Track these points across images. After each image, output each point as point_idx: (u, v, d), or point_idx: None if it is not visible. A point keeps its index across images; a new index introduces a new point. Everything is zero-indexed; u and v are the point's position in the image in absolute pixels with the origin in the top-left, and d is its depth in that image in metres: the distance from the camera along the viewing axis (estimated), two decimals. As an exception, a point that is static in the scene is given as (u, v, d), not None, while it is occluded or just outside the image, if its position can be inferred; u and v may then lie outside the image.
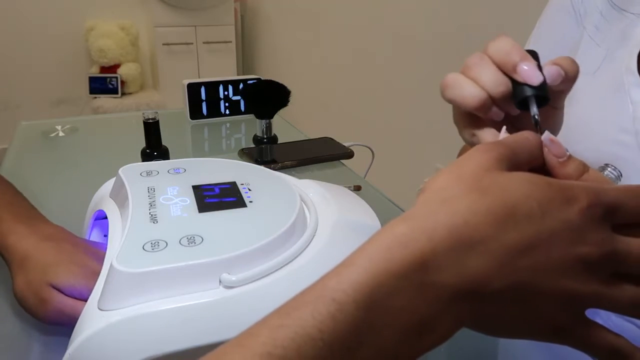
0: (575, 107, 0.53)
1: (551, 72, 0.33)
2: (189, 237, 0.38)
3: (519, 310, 0.25)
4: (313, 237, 0.41)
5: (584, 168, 0.29)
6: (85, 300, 0.37)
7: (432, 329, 0.24)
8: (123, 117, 1.29)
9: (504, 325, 0.26)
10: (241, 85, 1.05)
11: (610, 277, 0.26)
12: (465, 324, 0.26)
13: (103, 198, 0.49)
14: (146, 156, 0.75)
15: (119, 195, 0.46)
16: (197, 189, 0.45)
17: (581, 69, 0.36)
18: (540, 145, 0.30)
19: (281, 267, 0.38)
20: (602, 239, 0.25)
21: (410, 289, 0.24)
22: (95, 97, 2.77)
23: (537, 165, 0.30)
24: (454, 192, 0.26)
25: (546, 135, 0.30)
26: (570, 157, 0.30)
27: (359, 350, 0.23)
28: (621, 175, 0.35)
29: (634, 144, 0.45)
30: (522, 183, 0.26)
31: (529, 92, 0.33)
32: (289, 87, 0.86)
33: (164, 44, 2.72)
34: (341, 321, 0.23)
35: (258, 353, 0.22)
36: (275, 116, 0.89)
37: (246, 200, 0.44)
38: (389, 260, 0.24)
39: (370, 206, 0.51)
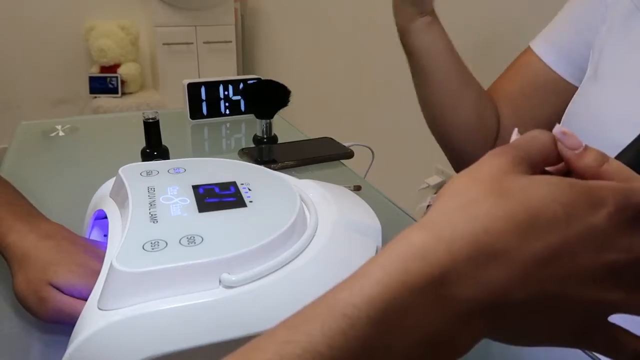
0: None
1: None
2: (189, 237, 0.38)
3: (540, 320, 0.24)
4: (313, 237, 0.41)
5: (604, 158, 0.27)
6: (85, 300, 0.37)
7: (448, 345, 0.23)
8: (123, 117, 1.29)
9: (523, 335, 0.25)
10: (241, 85, 1.05)
11: (637, 280, 0.24)
12: (486, 335, 0.24)
13: (103, 198, 0.49)
14: (146, 156, 0.75)
15: (119, 195, 0.46)
16: (197, 188, 0.45)
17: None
18: (553, 140, 0.28)
19: (281, 267, 0.38)
20: (631, 244, 0.24)
21: (427, 304, 0.22)
22: (96, 97, 2.77)
23: (554, 163, 0.28)
24: (472, 195, 0.24)
25: (557, 128, 0.28)
26: (586, 147, 0.27)
27: None
28: None
29: None
30: (544, 185, 0.24)
31: None
32: (289, 87, 0.86)
33: (164, 44, 2.72)
34: (352, 337, 0.22)
35: None
36: (275, 116, 0.89)
37: (246, 200, 0.44)
38: (404, 273, 0.23)
39: (370, 206, 0.51)
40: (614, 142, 0.53)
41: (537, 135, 0.28)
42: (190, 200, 0.43)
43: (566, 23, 0.68)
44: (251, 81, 1.03)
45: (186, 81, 1.01)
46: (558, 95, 0.67)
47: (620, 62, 0.58)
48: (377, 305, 0.22)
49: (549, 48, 0.69)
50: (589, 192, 0.24)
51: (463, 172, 0.26)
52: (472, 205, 0.24)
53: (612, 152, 0.54)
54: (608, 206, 0.23)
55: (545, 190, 0.24)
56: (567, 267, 0.23)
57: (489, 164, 0.26)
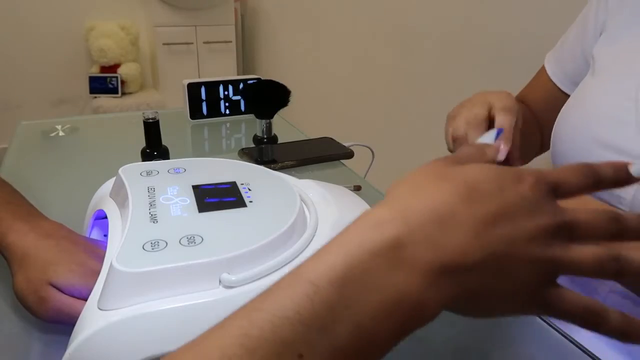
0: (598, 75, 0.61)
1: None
2: (189, 237, 0.38)
3: (500, 282, 0.26)
4: (313, 237, 0.41)
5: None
6: (85, 300, 0.37)
7: (414, 307, 0.25)
8: (123, 117, 1.29)
9: (488, 301, 0.27)
10: (241, 85, 1.05)
11: (570, 242, 0.28)
12: (450, 303, 0.26)
13: (103, 198, 0.49)
14: (146, 156, 0.75)
15: (119, 195, 0.46)
16: (197, 188, 0.45)
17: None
18: (481, 151, 0.36)
19: (281, 267, 0.38)
20: (554, 210, 0.28)
21: (386, 266, 0.25)
22: (96, 97, 2.77)
23: None
24: (418, 181, 0.29)
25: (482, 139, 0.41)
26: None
27: (335, 328, 0.23)
28: None
29: (632, 109, 0.53)
30: (476, 168, 0.29)
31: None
32: (289, 87, 0.86)
33: (164, 44, 2.72)
34: (317, 301, 0.24)
35: (235, 334, 0.23)
36: (275, 116, 0.89)
37: (246, 200, 0.44)
38: (362, 242, 0.25)
39: (370, 206, 0.51)
40: (597, 138, 0.56)
41: (469, 147, 0.36)
42: (190, 200, 0.43)
43: (572, 40, 0.71)
44: (251, 81, 1.03)
45: (186, 81, 1.01)
46: None
47: (612, 63, 0.61)
48: (338, 271, 0.24)
49: (556, 67, 0.73)
50: (511, 171, 0.29)
51: (408, 172, 0.31)
52: (420, 188, 0.28)
53: (594, 147, 0.56)
54: (528, 180, 0.28)
55: (477, 170, 0.29)
56: (510, 228, 0.26)
57: (432, 163, 0.31)
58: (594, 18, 0.66)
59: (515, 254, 0.26)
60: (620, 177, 0.30)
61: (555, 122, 0.65)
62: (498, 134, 0.47)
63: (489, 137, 0.46)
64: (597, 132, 0.56)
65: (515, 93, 0.80)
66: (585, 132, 0.58)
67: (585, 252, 0.27)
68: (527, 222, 0.27)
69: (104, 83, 2.75)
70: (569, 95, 0.69)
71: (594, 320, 0.28)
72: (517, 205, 0.27)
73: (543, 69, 0.76)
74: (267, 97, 0.86)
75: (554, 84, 0.72)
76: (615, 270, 0.28)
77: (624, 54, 0.60)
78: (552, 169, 0.30)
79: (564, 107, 0.65)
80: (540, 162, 0.81)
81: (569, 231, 0.28)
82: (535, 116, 0.76)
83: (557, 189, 0.29)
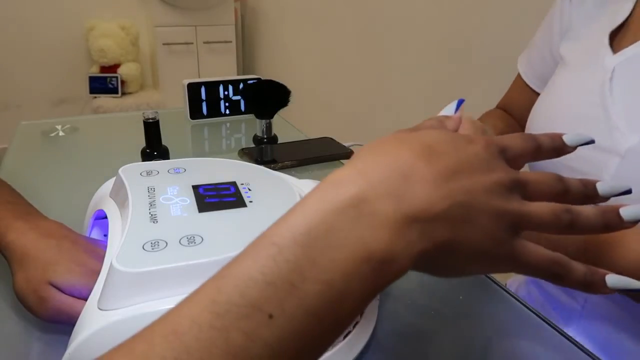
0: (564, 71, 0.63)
1: None
2: (189, 237, 0.38)
3: (466, 232, 0.27)
4: (313, 237, 0.41)
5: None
6: (85, 299, 0.37)
7: (383, 260, 0.25)
8: (123, 117, 1.29)
9: (457, 255, 0.28)
10: (241, 85, 1.05)
11: (524, 194, 0.30)
12: (421, 257, 0.26)
13: (103, 198, 0.49)
14: (146, 156, 0.75)
15: (119, 195, 0.46)
16: (197, 188, 0.45)
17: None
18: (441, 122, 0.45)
19: (281, 267, 0.37)
20: (506, 169, 0.30)
21: (350, 222, 0.25)
22: (96, 97, 2.77)
23: None
24: (379, 146, 0.29)
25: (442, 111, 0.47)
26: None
27: (304, 287, 0.23)
28: None
29: (598, 103, 0.55)
30: (432, 131, 0.30)
31: None
32: (289, 87, 0.87)
33: (164, 44, 2.72)
34: (282, 261, 0.24)
35: (204, 303, 0.23)
36: (275, 116, 0.90)
37: (246, 200, 0.44)
38: (323, 201, 0.26)
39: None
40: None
41: (430, 119, 0.43)
42: (190, 200, 0.43)
43: (540, 42, 0.72)
44: (251, 81, 1.03)
45: (186, 81, 1.01)
46: None
47: (577, 59, 0.62)
48: (300, 231, 0.25)
49: (528, 69, 0.74)
50: (464, 135, 0.31)
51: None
52: (380, 149, 0.29)
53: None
54: (480, 142, 0.30)
55: (434, 133, 0.30)
56: (468, 181, 0.28)
57: (392, 133, 0.32)
58: (559, 17, 0.67)
59: (476, 204, 0.27)
60: (557, 145, 0.33)
61: (527, 121, 0.65)
62: (458, 105, 0.48)
63: (449, 109, 0.48)
64: (567, 129, 0.57)
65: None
66: (556, 129, 0.58)
67: (542, 205, 0.29)
68: (483, 177, 0.28)
69: (104, 83, 2.75)
70: (538, 94, 0.70)
71: (559, 272, 0.29)
72: (472, 162, 0.28)
73: (519, 73, 0.77)
74: (267, 97, 0.86)
75: (528, 86, 0.74)
76: (569, 221, 0.29)
77: (588, 50, 0.60)
78: (499, 136, 0.32)
79: (534, 106, 0.66)
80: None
81: (522, 188, 0.29)
82: (517, 122, 0.77)
83: (504, 152, 0.30)
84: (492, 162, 0.29)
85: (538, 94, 0.71)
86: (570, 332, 0.55)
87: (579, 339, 0.48)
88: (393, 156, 0.28)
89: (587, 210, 0.30)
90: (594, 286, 0.30)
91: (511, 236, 0.28)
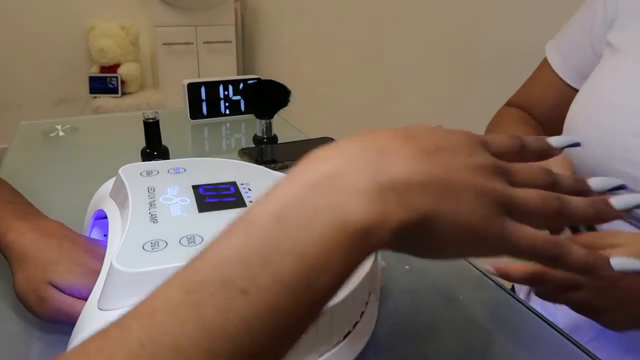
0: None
1: None
2: (189, 237, 0.38)
3: (449, 206, 0.26)
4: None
5: None
6: (85, 299, 0.37)
7: (358, 229, 0.24)
8: (123, 117, 1.29)
9: (443, 232, 0.26)
10: (241, 85, 1.05)
11: (507, 177, 0.29)
12: (403, 229, 0.25)
13: (103, 198, 0.49)
14: (146, 156, 0.75)
15: (119, 195, 0.46)
16: (197, 188, 0.45)
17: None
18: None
19: (281, 267, 0.37)
20: (489, 156, 0.29)
21: (325, 194, 0.24)
22: (96, 97, 2.77)
23: None
24: (359, 134, 0.28)
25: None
26: None
27: (278, 261, 0.23)
28: None
29: None
30: (414, 124, 0.30)
31: None
32: (289, 87, 0.86)
33: (164, 44, 2.72)
34: (255, 236, 0.23)
35: (178, 284, 0.23)
36: (275, 116, 0.90)
37: (246, 200, 0.44)
38: (299, 177, 0.25)
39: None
40: (630, 127, 0.54)
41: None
42: (190, 200, 0.43)
43: (577, 32, 0.69)
44: (251, 81, 1.03)
45: (186, 81, 1.01)
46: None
47: (629, 50, 0.60)
48: (275, 205, 0.24)
49: (560, 60, 0.71)
50: (445, 128, 0.30)
51: None
52: (358, 135, 0.28)
53: (626, 136, 0.54)
54: (461, 132, 0.30)
55: (415, 126, 0.29)
56: (449, 159, 0.27)
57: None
58: (602, 6, 0.65)
59: (458, 180, 0.26)
60: (543, 146, 0.32)
61: (567, 119, 0.63)
62: None
63: None
64: (620, 122, 0.55)
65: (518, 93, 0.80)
66: (606, 122, 0.56)
67: (529, 190, 0.29)
68: (465, 159, 0.28)
69: (104, 83, 2.75)
70: (575, 89, 0.68)
71: (556, 252, 0.28)
72: (454, 147, 0.28)
73: (543, 66, 0.74)
74: (267, 97, 0.86)
75: (563, 81, 0.70)
76: (558, 207, 0.28)
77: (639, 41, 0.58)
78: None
79: (576, 100, 0.63)
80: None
81: (508, 175, 0.29)
82: (539, 122, 0.74)
83: (486, 144, 0.30)
84: (474, 148, 0.29)
85: (573, 89, 0.68)
86: (589, 334, 0.54)
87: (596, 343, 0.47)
88: (372, 137, 0.27)
89: (577, 198, 0.29)
90: (597, 268, 0.28)
91: (499, 215, 0.27)
